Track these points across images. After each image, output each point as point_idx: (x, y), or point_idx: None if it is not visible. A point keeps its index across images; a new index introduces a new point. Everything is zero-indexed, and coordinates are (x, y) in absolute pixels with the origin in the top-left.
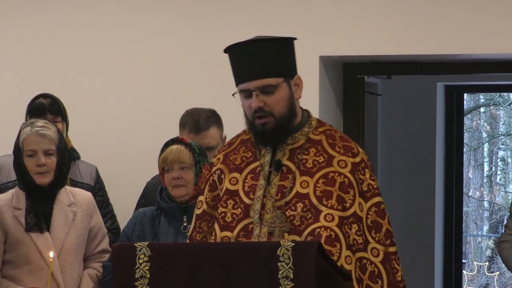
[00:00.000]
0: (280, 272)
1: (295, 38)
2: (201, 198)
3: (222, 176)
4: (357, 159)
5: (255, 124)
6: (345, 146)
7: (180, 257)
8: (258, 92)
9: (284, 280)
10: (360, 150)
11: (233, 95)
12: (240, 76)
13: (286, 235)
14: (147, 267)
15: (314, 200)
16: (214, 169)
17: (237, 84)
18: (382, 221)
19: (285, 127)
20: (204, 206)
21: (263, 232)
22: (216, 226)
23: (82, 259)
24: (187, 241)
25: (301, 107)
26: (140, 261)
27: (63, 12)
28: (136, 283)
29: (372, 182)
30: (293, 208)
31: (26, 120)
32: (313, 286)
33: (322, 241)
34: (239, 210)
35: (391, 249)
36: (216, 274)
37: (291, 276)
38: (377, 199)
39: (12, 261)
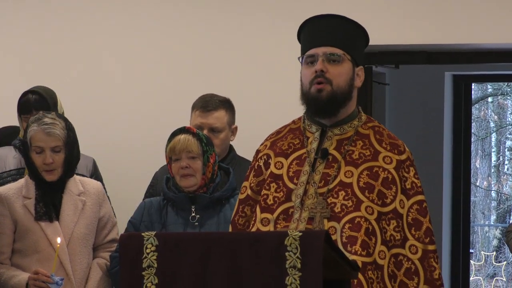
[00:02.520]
0: (288, 261)
1: (368, 39)
2: (245, 183)
3: (269, 161)
4: (403, 157)
5: (311, 91)
6: (392, 143)
7: (188, 247)
8: (325, 58)
9: (292, 270)
10: (407, 149)
11: (298, 58)
12: (310, 42)
13: (325, 221)
14: (154, 257)
15: (356, 190)
16: (260, 155)
17: (304, 51)
18: (423, 219)
19: (339, 101)
20: (248, 191)
21: (303, 217)
22: (257, 207)
23: (91, 249)
24: (230, 225)
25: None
26: (148, 250)
27: (66, 4)
28: (143, 273)
29: (416, 181)
30: (335, 195)
31: (19, 117)
32: (320, 275)
33: (362, 232)
34: (281, 193)
35: (430, 247)
36: (224, 263)
37: (299, 265)
38: (419, 197)
39: (22, 250)
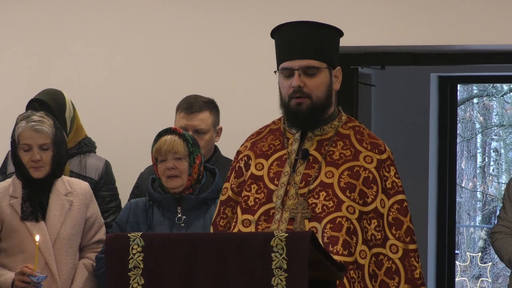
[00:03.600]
0: (274, 262)
1: (342, 33)
2: (226, 184)
3: (250, 162)
4: (383, 156)
5: (290, 104)
6: (372, 143)
7: (174, 247)
8: (301, 72)
9: (278, 271)
10: (387, 148)
11: (275, 72)
12: (285, 54)
13: (306, 221)
14: (140, 258)
15: (337, 190)
16: (241, 156)
17: (280, 63)
18: (403, 218)
19: (319, 112)
20: (229, 193)
21: (284, 218)
22: (238, 209)
23: (77, 249)
24: (211, 227)
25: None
26: (134, 251)
27: (69, 4)
28: (129, 274)
29: (396, 180)
30: (316, 196)
31: None
32: (306, 276)
33: (343, 231)
34: (262, 194)
35: (411, 247)
36: (210, 264)
37: (285, 266)
38: (400, 196)
39: (7, 249)
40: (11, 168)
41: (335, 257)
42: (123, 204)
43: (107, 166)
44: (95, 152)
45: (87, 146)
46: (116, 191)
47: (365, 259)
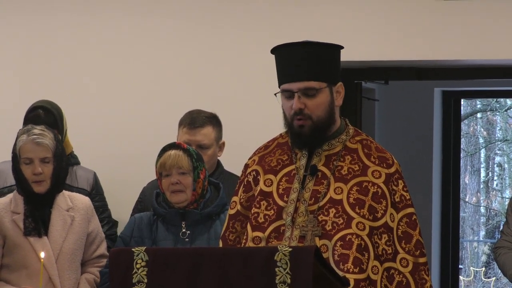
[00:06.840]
0: (278, 277)
1: (342, 47)
2: (235, 198)
3: (258, 177)
4: (391, 170)
5: (293, 124)
6: (380, 157)
7: (178, 262)
8: (300, 94)
9: (282, 285)
10: (395, 161)
11: (275, 94)
12: (285, 76)
13: (317, 239)
14: (144, 272)
15: (347, 207)
16: (249, 170)
17: (280, 84)
18: (413, 232)
19: (322, 131)
20: (238, 207)
21: (294, 235)
22: (248, 226)
23: (80, 264)
24: (220, 241)
25: (340, 116)
26: (138, 266)
27: (65, 16)
28: None
29: (404, 193)
30: (326, 213)
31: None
32: None
33: (354, 249)
34: (272, 211)
35: (421, 260)
36: (214, 278)
37: (289, 281)
38: (409, 210)
39: (10, 265)
40: (9, 181)
41: (347, 275)
42: (124, 220)
43: (95, 176)
44: (80, 164)
45: (74, 158)
46: (105, 201)
47: (377, 275)
